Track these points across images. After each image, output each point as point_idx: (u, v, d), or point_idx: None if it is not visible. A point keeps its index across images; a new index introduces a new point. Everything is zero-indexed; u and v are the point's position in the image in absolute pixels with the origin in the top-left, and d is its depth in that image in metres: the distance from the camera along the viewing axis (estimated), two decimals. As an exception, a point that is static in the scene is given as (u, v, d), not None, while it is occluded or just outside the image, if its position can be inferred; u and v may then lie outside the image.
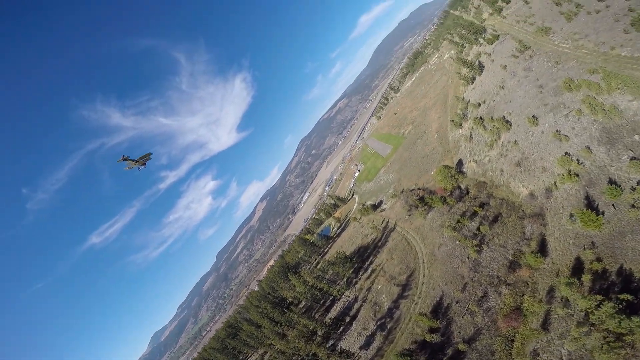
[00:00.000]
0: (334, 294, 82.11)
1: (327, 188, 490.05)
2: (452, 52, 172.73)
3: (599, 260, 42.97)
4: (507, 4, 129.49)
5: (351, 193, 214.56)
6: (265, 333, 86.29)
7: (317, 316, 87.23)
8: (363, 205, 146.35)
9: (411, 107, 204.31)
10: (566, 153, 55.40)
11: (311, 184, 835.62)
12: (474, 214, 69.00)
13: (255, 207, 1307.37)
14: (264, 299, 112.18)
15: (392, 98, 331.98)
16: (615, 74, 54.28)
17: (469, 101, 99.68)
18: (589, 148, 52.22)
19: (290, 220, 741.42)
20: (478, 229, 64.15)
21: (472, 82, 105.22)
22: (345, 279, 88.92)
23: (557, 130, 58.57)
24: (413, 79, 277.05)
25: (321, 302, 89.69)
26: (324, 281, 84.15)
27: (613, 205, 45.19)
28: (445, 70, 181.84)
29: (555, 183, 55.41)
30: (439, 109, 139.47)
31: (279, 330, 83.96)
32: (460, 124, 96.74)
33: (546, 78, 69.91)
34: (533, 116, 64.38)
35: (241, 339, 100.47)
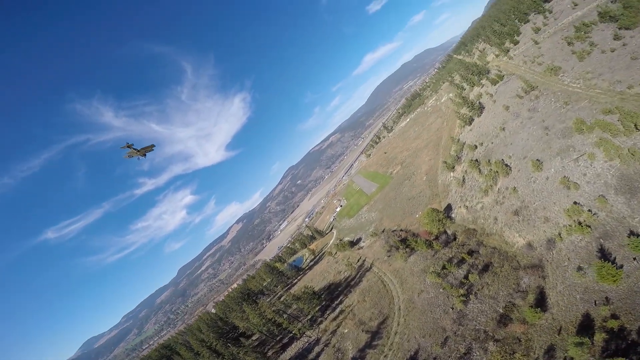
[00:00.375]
0: (293, 332, 71.77)
1: (307, 219, 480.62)
2: (451, 94, 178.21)
3: (615, 317, 37.53)
4: (515, 45, 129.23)
5: (330, 227, 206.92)
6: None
7: (270, 353, 75.65)
8: (340, 240, 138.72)
9: (402, 147, 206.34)
10: (575, 202, 50.59)
11: (292, 213, 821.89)
12: (462, 260, 63.42)
13: (230, 227, 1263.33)
14: (213, 324, 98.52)
15: (384, 137, 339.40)
16: (635, 113, 50.14)
17: (464, 143, 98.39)
18: (604, 197, 47.27)
19: (264, 245, 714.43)
20: (466, 277, 58.21)
21: (470, 124, 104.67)
22: (309, 317, 78.99)
23: (565, 177, 53.83)
24: (408, 120, 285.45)
25: (278, 338, 78.44)
26: (285, 316, 73.91)
27: (634, 258, 40.88)
28: (441, 112, 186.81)
29: (560, 234, 50.55)
30: (431, 151, 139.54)
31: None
32: (453, 167, 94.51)
33: (553, 119, 66.09)
34: (537, 160, 59.88)
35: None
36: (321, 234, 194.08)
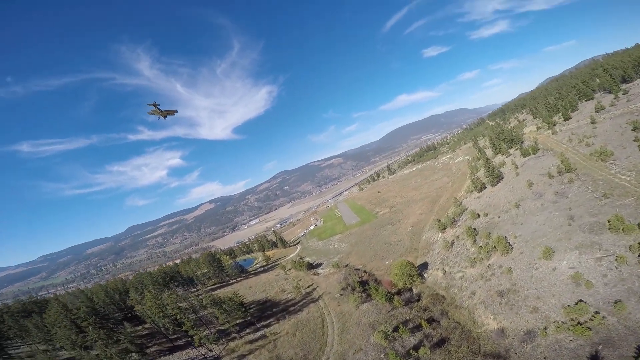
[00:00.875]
0: (193, 338, 57.88)
1: (278, 225, 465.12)
2: (468, 157, 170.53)
3: None
4: (566, 120, 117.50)
5: (297, 242, 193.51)
6: (58, 334, 57.56)
7: (152, 350, 61.06)
8: (300, 258, 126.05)
9: (397, 193, 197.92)
10: (580, 300, 42.31)
11: (267, 213, 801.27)
12: (418, 327, 52.26)
13: (201, 205, 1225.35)
14: (110, 295, 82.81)
15: (383, 177, 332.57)
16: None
17: (467, 208, 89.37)
18: (623, 302, 39.36)
19: (225, 234, 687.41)
20: (416, 348, 46.98)
21: (481, 191, 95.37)
22: (222, 328, 65.28)
23: (578, 273, 45.55)
24: (413, 169, 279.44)
25: (172, 337, 63.89)
26: (191, 319, 59.95)
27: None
28: (450, 172, 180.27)
29: (545, 328, 41.54)
30: (426, 205, 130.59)
31: (78, 341, 56.13)
32: (445, 228, 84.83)
33: (583, 210, 57.57)
34: (548, 248, 51.59)
35: (28, 324, 67.58)
36: (285, 244, 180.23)
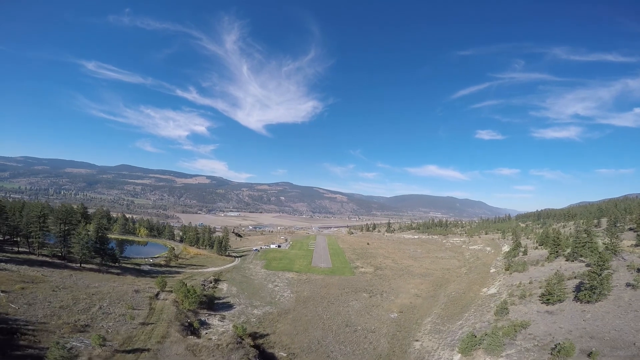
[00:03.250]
0: None
1: (250, 227, 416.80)
2: (489, 248, 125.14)
3: None
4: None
5: (242, 254, 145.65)
6: None
7: None
8: (213, 281, 79.75)
9: (389, 254, 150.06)
10: None
11: (250, 212, 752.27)
12: None
13: (198, 176, 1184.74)
14: None
15: (379, 232, 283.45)
16: None
17: (527, 324, 42.32)
18: None
19: (199, 212, 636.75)
20: None
21: (553, 304, 48.45)
22: None
23: None
24: (415, 236, 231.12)
25: None
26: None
27: None
28: (462, 257, 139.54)
29: None
30: (425, 286, 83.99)
31: None
32: (474, 347, 37.45)
33: None
34: None
35: None
36: (224, 250, 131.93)
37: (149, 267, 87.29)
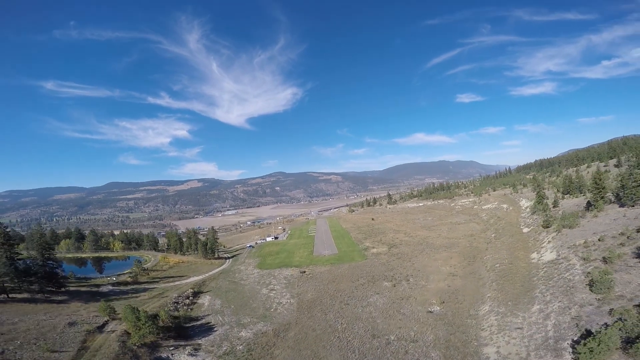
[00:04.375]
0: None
1: (249, 222, 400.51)
2: (506, 205, 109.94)
3: None
4: None
5: (235, 254, 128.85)
6: None
7: None
8: (190, 296, 63.08)
9: (399, 226, 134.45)
10: None
11: (248, 208, 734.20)
12: None
13: (189, 181, 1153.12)
14: None
15: (380, 205, 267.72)
16: None
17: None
18: None
19: (197, 217, 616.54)
20: None
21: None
22: None
23: None
24: (420, 204, 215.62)
25: None
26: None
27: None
28: (479, 219, 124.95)
29: None
30: (456, 259, 68.01)
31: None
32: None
33: None
34: None
35: None
36: (210, 253, 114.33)
37: (111, 287, 69.82)
